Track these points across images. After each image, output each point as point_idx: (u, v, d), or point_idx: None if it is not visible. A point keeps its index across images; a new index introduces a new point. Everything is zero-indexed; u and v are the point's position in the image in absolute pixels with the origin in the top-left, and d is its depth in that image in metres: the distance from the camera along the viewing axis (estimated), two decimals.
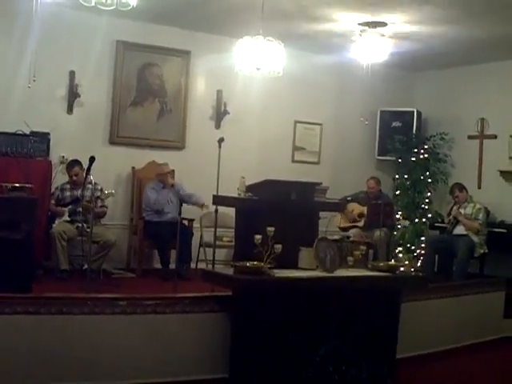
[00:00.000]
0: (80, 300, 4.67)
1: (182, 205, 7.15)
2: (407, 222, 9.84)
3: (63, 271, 7.69)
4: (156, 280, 8.10)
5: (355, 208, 9.50)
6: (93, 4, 5.38)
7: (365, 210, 9.39)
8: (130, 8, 5.45)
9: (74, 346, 4.50)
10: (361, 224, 9.38)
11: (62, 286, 7.24)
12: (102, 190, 8.03)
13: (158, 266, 8.55)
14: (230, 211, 6.80)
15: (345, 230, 9.33)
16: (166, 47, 9.16)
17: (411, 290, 5.95)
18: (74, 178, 8.05)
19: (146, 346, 4.72)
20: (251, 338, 4.82)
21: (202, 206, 8.42)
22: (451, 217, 9.20)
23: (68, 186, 8.15)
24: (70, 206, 7.96)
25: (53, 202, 8.00)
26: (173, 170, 8.92)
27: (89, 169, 7.43)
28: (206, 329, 4.92)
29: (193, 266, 8.53)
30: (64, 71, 8.46)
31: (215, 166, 7.11)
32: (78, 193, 7.96)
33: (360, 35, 8.37)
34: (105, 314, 4.65)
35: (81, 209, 7.82)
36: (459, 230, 9.09)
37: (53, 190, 8.07)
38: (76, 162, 8.07)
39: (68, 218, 7.92)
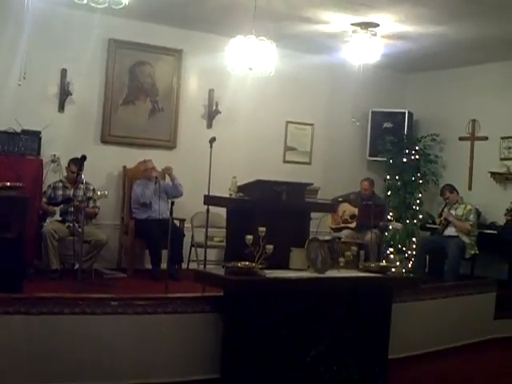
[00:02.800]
0: (71, 300, 4.65)
1: (173, 204, 7.13)
2: (399, 225, 9.84)
3: (54, 271, 7.65)
4: (147, 280, 8.08)
5: (347, 209, 9.49)
6: (85, 2, 5.36)
7: (356, 211, 9.40)
8: (122, 6, 5.43)
9: (65, 345, 4.49)
10: (352, 225, 9.39)
11: (53, 285, 7.21)
12: (94, 190, 8.01)
13: (150, 266, 8.52)
14: (222, 211, 6.79)
15: (337, 230, 9.36)
16: (157, 46, 9.14)
17: (402, 291, 5.97)
18: (75, 175, 7.79)
19: (137, 347, 4.71)
20: (243, 339, 4.82)
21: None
22: (442, 218, 9.22)
23: (60, 185, 8.11)
24: (61, 206, 7.93)
25: (44, 200, 7.96)
26: (163, 170, 8.94)
27: (80, 168, 7.41)
28: (198, 329, 4.91)
29: (184, 266, 8.52)
30: (56, 69, 8.42)
31: (207, 166, 7.11)
32: (71, 192, 7.93)
33: (352, 36, 8.37)
34: (96, 314, 4.64)
35: (72, 209, 7.79)
36: (450, 231, 9.10)
37: (44, 188, 8.03)
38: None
39: (59, 218, 7.88)
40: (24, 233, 6.53)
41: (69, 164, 8.08)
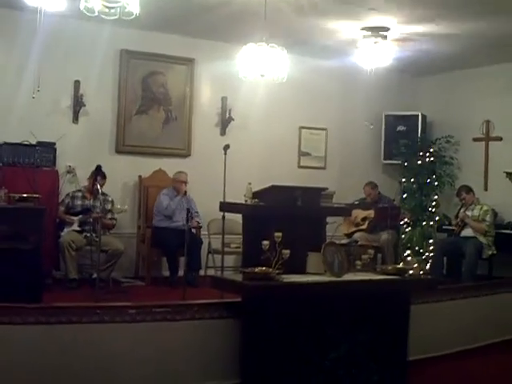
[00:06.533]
0: (89, 309, 4.66)
1: (189, 211, 7.17)
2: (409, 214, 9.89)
3: (72, 280, 7.70)
4: (165, 288, 8.12)
5: (358, 214, 9.49)
6: (96, 14, 5.38)
7: (368, 213, 9.39)
8: (133, 17, 5.45)
9: (84, 354, 4.50)
10: (364, 226, 9.38)
11: (72, 295, 7.27)
12: (113, 202, 8.03)
13: (167, 273, 8.56)
14: (238, 218, 6.81)
15: (350, 235, 9.35)
16: (169, 55, 9.20)
17: (420, 293, 5.94)
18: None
19: (155, 354, 4.71)
20: (261, 344, 4.81)
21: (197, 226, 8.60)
22: (458, 219, 9.19)
23: (79, 195, 8.13)
24: (80, 216, 7.95)
25: (62, 208, 7.99)
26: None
27: (96, 178, 7.44)
28: (216, 335, 4.91)
29: (201, 272, 8.54)
30: (69, 81, 8.49)
31: (221, 173, 7.14)
32: (90, 202, 7.96)
33: (363, 40, 8.37)
34: (114, 323, 4.64)
35: (91, 219, 7.81)
36: (467, 232, 9.08)
37: (60, 199, 8.07)
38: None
39: (78, 228, 7.90)
40: (41, 243, 6.57)
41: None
